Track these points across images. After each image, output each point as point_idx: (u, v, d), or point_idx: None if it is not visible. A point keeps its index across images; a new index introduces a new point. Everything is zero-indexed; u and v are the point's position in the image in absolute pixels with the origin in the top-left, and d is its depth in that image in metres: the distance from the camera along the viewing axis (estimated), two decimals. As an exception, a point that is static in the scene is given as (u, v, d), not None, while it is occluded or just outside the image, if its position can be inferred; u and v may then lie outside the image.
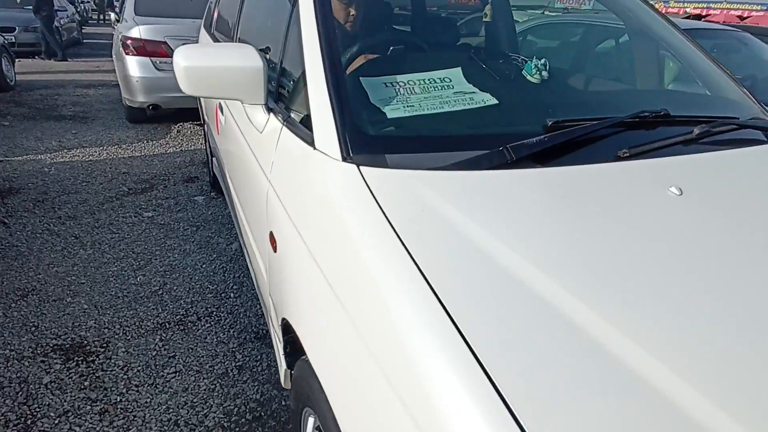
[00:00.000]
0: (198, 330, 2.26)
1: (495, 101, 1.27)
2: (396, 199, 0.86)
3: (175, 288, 2.57)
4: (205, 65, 1.33)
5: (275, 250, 1.21)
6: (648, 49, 1.99)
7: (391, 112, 1.18)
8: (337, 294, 0.87)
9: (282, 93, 1.47)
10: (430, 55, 1.57)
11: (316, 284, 0.95)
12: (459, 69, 1.42)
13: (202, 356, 2.10)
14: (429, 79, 1.36)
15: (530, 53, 1.66)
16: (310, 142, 1.11)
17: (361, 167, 0.95)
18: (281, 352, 1.44)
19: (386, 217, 0.83)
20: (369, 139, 1.05)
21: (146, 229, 3.18)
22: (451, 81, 1.38)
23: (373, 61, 1.41)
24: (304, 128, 1.19)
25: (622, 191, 0.95)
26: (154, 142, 4.98)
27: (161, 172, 4.23)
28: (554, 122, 1.08)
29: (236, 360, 2.09)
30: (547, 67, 1.56)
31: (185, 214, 3.44)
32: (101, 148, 4.74)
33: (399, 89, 1.29)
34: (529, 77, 1.53)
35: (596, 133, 1.08)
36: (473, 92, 1.32)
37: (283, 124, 1.31)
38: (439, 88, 1.34)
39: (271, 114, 1.41)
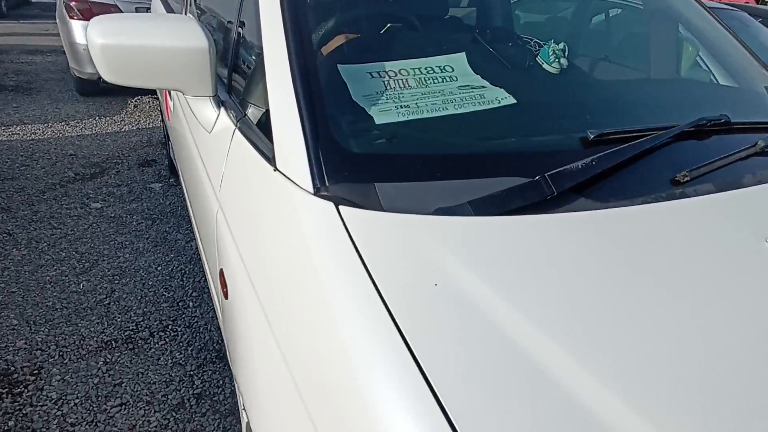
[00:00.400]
0: (150, 349, 1.97)
1: (512, 100, 0.99)
2: (396, 267, 0.58)
3: (124, 296, 2.24)
4: (130, 44, 0.99)
5: (226, 296, 0.92)
6: (666, 27, 1.73)
7: (381, 115, 0.88)
8: (299, 389, 0.60)
9: (236, 83, 1.15)
10: (425, 34, 1.26)
11: (272, 365, 0.67)
12: (463, 54, 1.12)
13: (154, 383, 1.82)
14: (426, 68, 1.06)
15: (529, 33, 1.37)
16: (270, 159, 0.81)
17: (341, 207, 0.66)
18: (242, 405, 1.18)
19: (381, 295, 0.55)
20: (352, 160, 0.75)
21: (93, 224, 2.81)
22: (453, 70, 1.08)
23: (355, 43, 1.10)
24: (261, 135, 0.88)
25: (708, 249, 0.68)
26: (107, 118, 4.51)
27: (114, 153, 3.82)
28: (598, 135, 0.81)
29: (194, 386, 1.82)
30: (566, 53, 1.28)
31: (140, 204, 3.08)
32: (46, 124, 4.25)
33: (389, 81, 1.00)
34: (546, 66, 1.24)
35: (651, 151, 0.82)
36: (483, 87, 1.03)
37: (236, 125, 1.00)
38: (440, 80, 1.04)
39: (223, 109, 1.09)
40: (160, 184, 3.36)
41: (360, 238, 0.61)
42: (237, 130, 0.97)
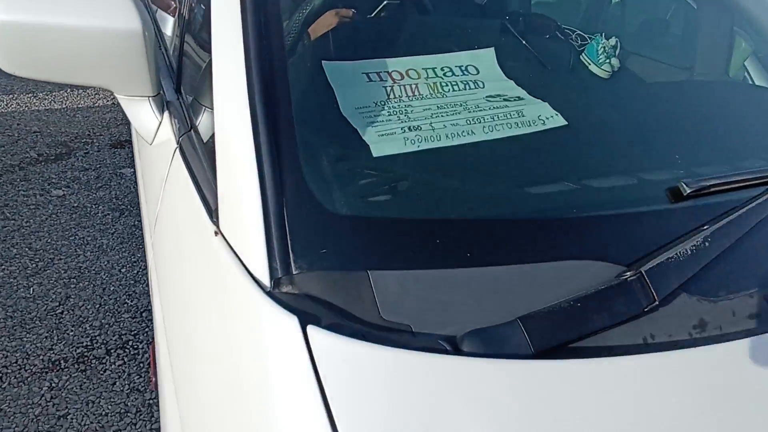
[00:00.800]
0: (105, 371, 1.72)
1: (560, 120, 0.73)
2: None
3: (80, 304, 1.98)
4: (34, 23, 0.71)
5: (154, 383, 0.66)
6: (719, 16, 1.44)
7: (381, 142, 0.61)
8: None
9: (185, 79, 0.86)
10: (438, 21, 0.98)
11: None
12: (491, 51, 0.85)
13: (106, 414, 1.57)
14: (443, 68, 0.79)
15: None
16: (212, 212, 0.54)
17: (311, 331, 0.39)
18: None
19: None
20: (334, 229, 0.48)
21: (53, 214, 2.52)
22: (478, 72, 0.81)
23: (345, 30, 0.82)
24: (206, 168, 0.61)
25: None
26: (80, 91, 4.16)
27: (84, 132, 3.49)
28: (696, 189, 0.55)
29: (153, 419, 1.58)
30: (617, 51, 1.01)
31: (107, 192, 2.78)
32: (10, 96, 3.89)
33: (392, 87, 0.72)
34: (594, 68, 0.97)
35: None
36: (520, 99, 0.76)
37: (178, 142, 0.72)
38: (461, 86, 0.77)
39: (167, 115, 0.81)
40: (132, 170, 3.06)
41: (339, 403, 0.34)
42: (177, 150, 0.69)
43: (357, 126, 0.64)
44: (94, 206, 2.62)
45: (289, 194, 0.47)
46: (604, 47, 1.00)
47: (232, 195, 0.50)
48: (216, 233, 0.50)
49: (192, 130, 0.69)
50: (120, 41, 0.73)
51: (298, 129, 0.56)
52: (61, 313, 1.93)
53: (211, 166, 0.56)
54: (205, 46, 0.77)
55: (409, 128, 0.66)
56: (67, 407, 1.57)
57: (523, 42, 0.95)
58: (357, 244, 0.46)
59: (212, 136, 0.60)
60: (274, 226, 0.45)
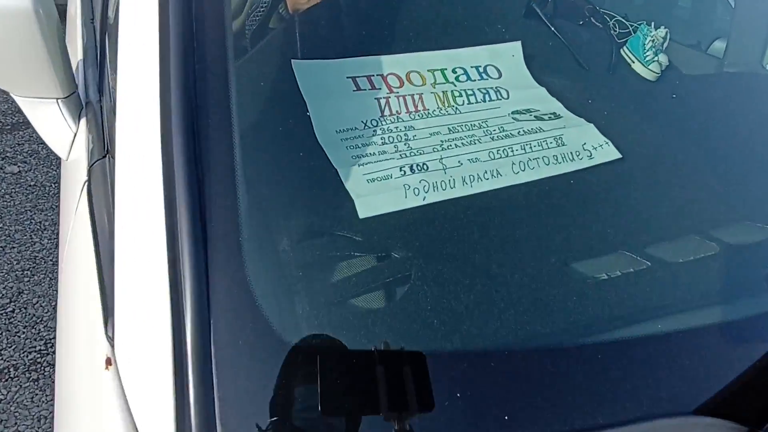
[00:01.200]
0: (60, 380, 1.55)
1: (613, 151, 0.54)
2: None
3: (34, 301, 1.79)
4: None
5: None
6: None
7: (370, 195, 0.43)
8: None
9: (110, 78, 0.65)
10: (448, 3, 0.76)
11: None
12: (518, 45, 0.66)
13: (60, 431, 1.42)
14: (455, 71, 0.60)
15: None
16: (106, 320, 0.35)
17: None
18: None
19: None
20: (293, 374, 0.28)
21: (6, 194, 2.29)
22: (500, 76, 0.62)
23: (324, 14, 0.61)
24: (110, 225, 0.41)
25: None
26: (42, 50, 3.80)
27: (45, 98, 3.18)
28: None
29: (113, 437, 1.43)
30: (665, 45, 0.82)
31: (69, 169, 2.53)
32: (-37, 55, 3.53)
33: (387, 100, 0.53)
34: (638, 67, 0.78)
35: None
36: (556, 118, 0.58)
37: (89, 169, 0.52)
38: (480, 96, 0.59)
39: (84, 123, 0.61)
40: (98, 143, 2.80)
41: None
42: (86, 184, 0.49)
43: (337, 164, 0.45)
44: (53, 185, 2.38)
45: (218, 309, 0.28)
46: (653, 40, 0.80)
47: (131, 299, 0.31)
48: (108, 363, 0.31)
49: (107, 157, 0.49)
50: (8, 25, 0.51)
51: (245, 177, 0.37)
52: (12, 311, 1.74)
53: (111, 236, 0.36)
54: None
55: (411, 167, 0.47)
56: (16, 423, 1.41)
57: (553, 30, 0.74)
58: (330, 405, 0.27)
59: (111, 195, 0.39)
60: (193, 372, 0.26)
